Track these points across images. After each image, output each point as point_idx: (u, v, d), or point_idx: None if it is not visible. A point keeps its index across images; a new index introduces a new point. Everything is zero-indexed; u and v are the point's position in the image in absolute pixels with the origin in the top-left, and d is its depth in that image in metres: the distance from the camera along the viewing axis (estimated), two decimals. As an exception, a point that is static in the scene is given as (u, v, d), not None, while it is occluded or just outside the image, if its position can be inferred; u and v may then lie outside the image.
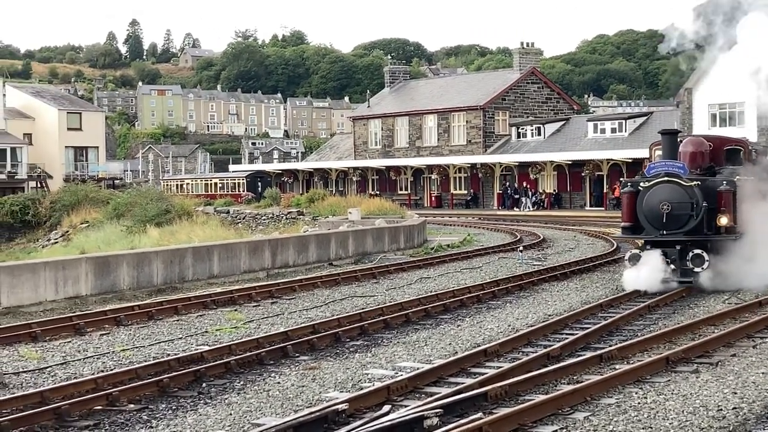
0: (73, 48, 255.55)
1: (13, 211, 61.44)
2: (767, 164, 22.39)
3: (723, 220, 19.63)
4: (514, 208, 62.37)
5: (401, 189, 74.14)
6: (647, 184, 19.89)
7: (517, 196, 63.76)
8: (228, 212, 58.56)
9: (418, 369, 12.23)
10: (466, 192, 70.44)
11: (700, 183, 19.59)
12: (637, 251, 19.99)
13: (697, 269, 19.31)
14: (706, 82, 53.34)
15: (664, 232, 19.63)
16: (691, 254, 19.39)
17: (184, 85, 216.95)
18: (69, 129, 76.52)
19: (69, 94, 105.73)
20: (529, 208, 62.14)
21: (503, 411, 9.81)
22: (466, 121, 71.29)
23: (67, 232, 56.34)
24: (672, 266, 19.44)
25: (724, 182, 19.79)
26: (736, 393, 10.74)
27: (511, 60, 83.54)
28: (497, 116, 70.80)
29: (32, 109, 77.42)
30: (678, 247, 19.51)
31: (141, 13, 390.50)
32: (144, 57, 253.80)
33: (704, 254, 19.29)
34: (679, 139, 21.00)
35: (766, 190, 20.89)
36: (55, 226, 59.57)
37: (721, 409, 10.04)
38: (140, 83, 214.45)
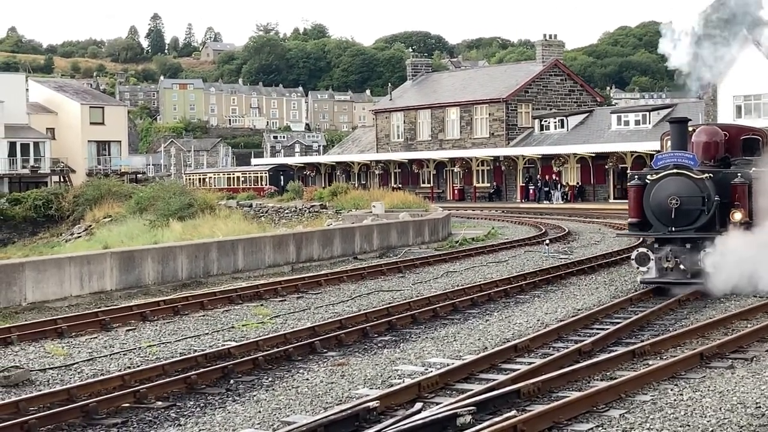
0: (95, 42, 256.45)
1: (36, 205, 61.64)
2: None
3: (737, 216, 18.08)
4: (544, 201, 61.97)
5: (424, 182, 73.93)
6: (654, 177, 18.32)
7: (546, 189, 63.40)
8: (251, 206, 58.54)
9: (448, 365, 12.05)
10: (488, 185, 70.17)
11: (712, 175, 18.12)
12: (644, 250, 18.48)
13: (709, 270, 17.63)
14: (731, 74, 52.87)
15: (673, 228, 18.11)
16: (703, 253, 17.73)
17: (206, 79, 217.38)
18: (92, 123, 76.73)
19: (91, 89, 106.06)
20: (559, 200, 61.80)
21: (537, 409, 9.63)
22: (489, 114, 71.00)
23: (90, 226, 56.48)
24: (682, 266, 17.92)
25: (739, 174, 18.42)
26: (774, 390, 10.51)
27: (533, 52, 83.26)
28: (520, 109, 70.47)
29: (55, 104, 77.69)
30: (688, 245, 17.99)
31: (163, 7, 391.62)
32: (165, 51, 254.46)
33: (717, 253, 17.65)
34: (691, 128, 19.68)
35: None
36: (78, 220, 59.74)
37: (760, 407, 9.82)
38: (162, 77, 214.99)
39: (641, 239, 20.96)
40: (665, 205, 18.00)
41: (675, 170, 18.07)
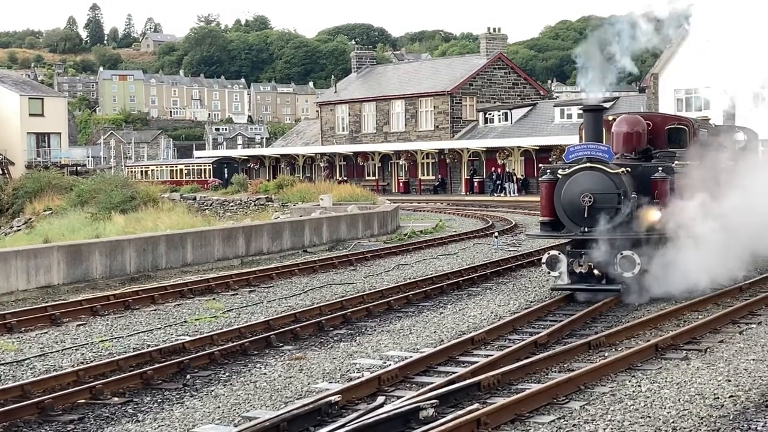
0: (32, 33, 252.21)
1: (-27, 198, 60.50)
2: (719, 146, 19.66)
3: (655, 215, 16.43)
4: (498, 194, 62.03)
5: (369, 175, 73.89)
6: (566, 171, 16.56)
7: (499, 182, 63.56)
8: (194, 199, 58.04)
9: (407, 358, 12.06)
10: (433, 177, 70.34)
11: (630, 169, 16.47)
12: (556, 253, 16.63)
13: (626, 274, 15.93)
14: (672, 67, 53.60)
15: (586, 229, 16.32)
16: (619, 257, 16.01)
17: (146, 70, 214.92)
18: (31, 115, 75.36)
19: (30, 80, 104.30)
20: (514, 193, 62.01)
21: (500, 401, 9.66)
22: (434, 107, 71.14)
23: (30, 219, 55.54)
24: (596, 271, 16.20)
25: (659, 168, 16.69)
26: (730, 381, 10.66)
27: (475, 45, 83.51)
28: (464, 102, 70.68)
29: (-8, 95, 76.24)
30: (603, 247, 16.22)
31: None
32: (105, 42, 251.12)
33: (635, 256, 15.91)
34: (612, 118, 18.28)
35: (714, 176, 18.05)
36: (17, 213, 58.70)
37: (718, 398, 9.95)
38: (101, 68, 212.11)
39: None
40: (577, 202, 16.27)
41: (588, 164, 16.33)
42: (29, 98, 75.99)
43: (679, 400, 9.95)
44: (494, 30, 73.73)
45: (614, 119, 18.11)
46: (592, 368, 11.12)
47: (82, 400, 10.69)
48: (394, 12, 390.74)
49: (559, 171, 16.73)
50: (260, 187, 54.76)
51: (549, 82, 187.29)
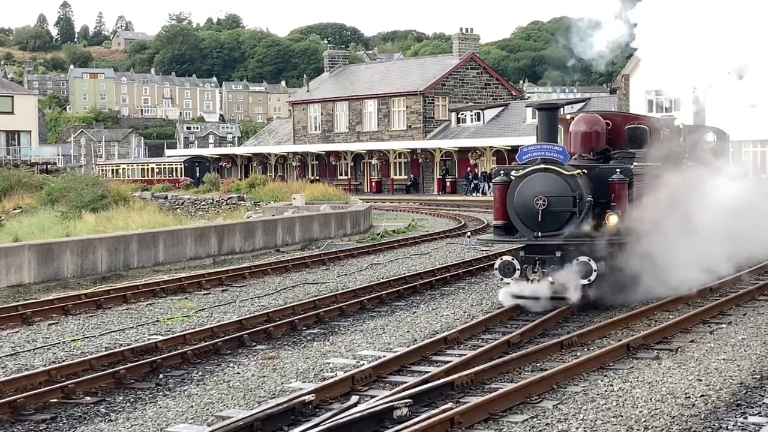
0: (2, 30, 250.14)
1: (-58, 196, 59.88)
2: (683, 147, 18.93)
3: (613, 219, 15.54)
4: (474, 193, 62.07)
5: (341, 174, 73.85)
6: (519, 173, 15.72)
7: (476, 182, 63.67)
8: (166, 198, 57.86)
9: (380, 358, 12.08)
10: (406, 177, 70.42)
11: (586, 171, 15.68)
12: (509, 258, 15.79)
13: (582, 281, 15.17)
14: (642, 68, 53.89)
15: (540, 234, 15.47)
16: (575, 263, 15.22)
17: (117, 68, 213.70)
18: (1, 113, 74.89)
19: None
20: (490, 193, 62.06)
21: (473, 401, 9.70)
22: (406, 107, 71.22)
23: (0, 218, 55.12)
24: (550, 278, 15.36)
25: (617, 170, 15.80)
26: (701, 380, 10.76)
27: (448, 45, 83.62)
28: (437, 102, 70.81)
29: (-38, 92, 75.62)
30: (558, 254, 15.43)
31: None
32: (75, 40, 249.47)
33: (591, 262, 15.11)
34: (570, 117, 17.59)
35: (677, 178, 17.22)
36: (-14, 211, 58.19)
37: (689, 397, 10.04)
38: (72, 66, 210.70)
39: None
40: (531, 206, 15.41)
41: (542, 165, 15.50)
42: (-1, 96, 75.47)
43: (650, 399, 10.03)
44: (466, 30, 73.91)
45: (572, 118, 17.43)
46: (564, 368, 11.18)
47: (55, 400, 10.63)
48: (367, 11, 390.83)
49: (512, 172, 15.90)
50: (232, 186, 54.65)
51: (521, 82, 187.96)
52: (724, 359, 11.86)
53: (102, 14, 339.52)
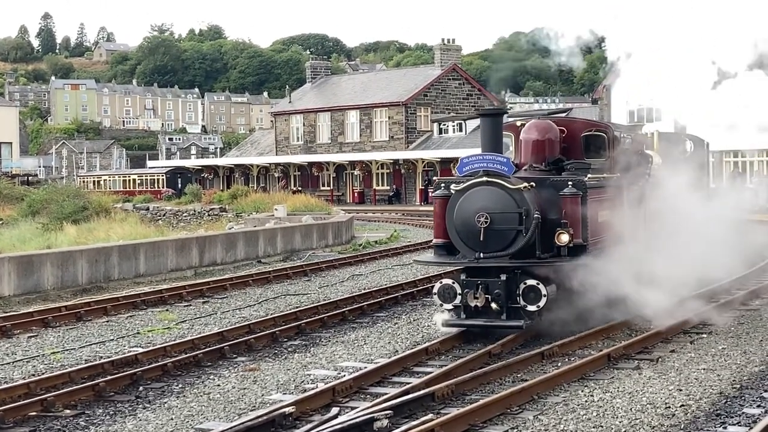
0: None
1: None
2: (646, 156, 17.39)
3: (563, 238, 13.80)
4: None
5: (324, 185, 73.83)
6: (459, 186, 14.17)
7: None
8: (148, 209, 57.76)
9: (361, 369, 12.06)
10: (388, 188, 70.47)
11: (534, 184, 14.05)
12: (449, 282, 14.07)
13: (530, 307, 13.54)
14: (623, 78, 54.08)
15: (482, 254, 13.82)
16: (522, 286, 13.64)
17: (99, 79, 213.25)
18: (-19, 124, 74.68)
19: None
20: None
21: (453, 412, 9.70)
22: (389, 117, 71.31)
23: (-20, 230, 54.84)
24: (495, 304, 13.63)
25: (570, 183, 14.08)
26: (681, 390, 10.79)
27: (430, 56, 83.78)
28: (419, 112, 70.93)
29: (-58, 104, 75.32)
30: (503, 277, 13.73)
31: (54, 6, 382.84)
32: (57, 51, 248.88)
33: (540, 286, 13.53)
34: (520, 123, 15.84)
35: (639, 190, 16.08)
36: (-33, 223, 57.91)
37: (669, 407, 10.06)
38: (53, 77, 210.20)
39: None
40: (472, 223, 13.78)
41: (485, 178, 13.93)
42: (-21, 107, 75.19)
43: (631, 409, 10.05)
44: (448, 41, 74.10)
45: (523, 125, 15.69)
46: (545, 378, 11.20)
47: (34, 413, 10.58)
48: (349, 22, 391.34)
49: (452, 186, 14.37)
50: (214, 197, 54.58)
51: (503, 93, 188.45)
52: (704, 369, 11.89)
53: (83, 25, 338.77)
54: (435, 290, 14.27)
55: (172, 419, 10.30)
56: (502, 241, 13.80)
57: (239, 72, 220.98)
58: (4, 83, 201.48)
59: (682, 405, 10.10)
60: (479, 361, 12.52)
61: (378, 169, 70.92)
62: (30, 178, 76.80)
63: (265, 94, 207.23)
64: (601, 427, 9.44)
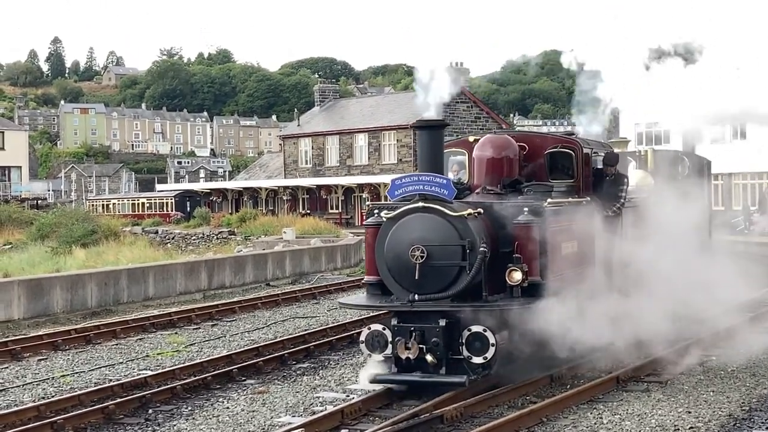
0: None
1: (-68, 232, 59.82)
2: (620, 177, 14.55)
3: (516, 275, 11.63)
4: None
5: (332, 208, 73.89)
6: (390, 214, 11.97)
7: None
8: (157, 232, 57.86)
9: (370, 392, 12.04)
10: (396, 211, 70.45)
11: (482, 211, 11.86)
12: (379, 328, 11.90)
13: (476, 359, 11.36)
14: (632, 100, 53.97)
15: (416, 296, 11.54)
16: (465, 334, 11.43)
17: (108, 103, 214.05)
18: (-9, 148, 75.04)
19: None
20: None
21: (463, 434, 9.70)
22: (397, 140, 71.42)
23: (-10, 253, 55.04)
24: (430, 356, 11.39)
25: (525, 209, 11.92)
26: (690, 412, 10.78)
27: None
28: (427, 135, 70.99)
29: (-48, 128, 75.76)
30: (442, 322, 11.49)
31: (63, 31, 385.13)
32: (66, 75, 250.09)
33: (488, 333, 11.33)
34: (473, 139, 13.84)
35: (612, 220, 13.84)
36: (-24, 247, 58.13)
37: (678, 429, 10.06)
38: (62, 101, 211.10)
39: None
40: (405, 258, 11.54)
41: (420, 204, 11.78)
42: (-11, 131, 75.60)
43: (640, 431, 10.03)
44: (456, 64, 74.29)
45: (477, 140, 13.64)
46: (553, 400, 11.20)
47: (43, 436, 10.61)
48: (357, 46, 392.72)
49: (383, 212, 12.16)
50: (223, 220, 54.71)
51: (511, 115, 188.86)
52: (713, 391, 11.88)
53: (93, 49, 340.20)
54: (362, 338, 12.08)
55: (181, 442, 10.32)
56: (441, 279, 11.50)
57: (248, 95, 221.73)
58: (13, 107, 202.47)
59: (692, 427, 10.10)
60: (488, 383, 12.49)
61: (386, 191, 71.00)
62: (39, 201, 77.00)
63: (274, 117, 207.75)
64: (610, 449, 9.43)
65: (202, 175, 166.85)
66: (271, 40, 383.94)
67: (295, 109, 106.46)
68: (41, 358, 15.61)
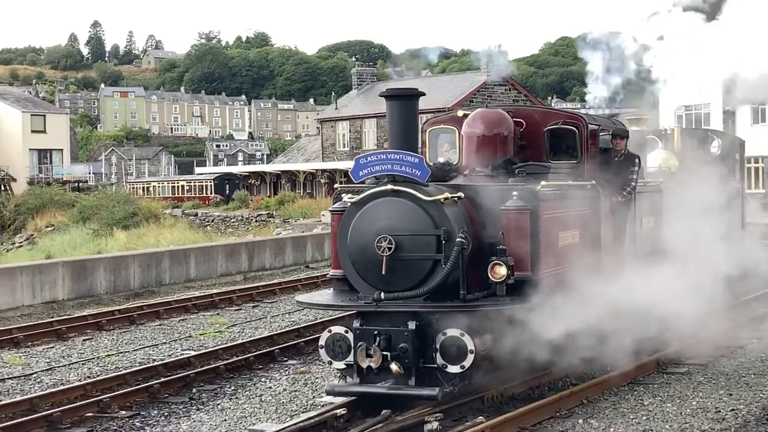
0: (34, 50, 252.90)
1: (-25, 214, 60.77)
2: (631, 157, 12.62)
3: (501, 270, 9.81)
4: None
5: (369, 190, 74.04)
6: (355, 198, 10.17)
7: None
8: (196, 215, 58.33)
9: (411, 373, 12.08)
10: (434, 193, 70.45)
11: (462, 195, 10.11)
12: (341, 331, 10.19)
13: (451, 368, 9.66)
14: (672, 84, 53.56)
15: (383, 294, 9.74)
16: (440, 339, 9.71)
17: (147, 86, 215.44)
18: (33, 131, 75.75)
19: (32, 96, 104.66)
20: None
21: (504, 415, 9.74)
22: (434, 123, 71.35)
23: (32, 235, 55.80)
24: (395, 366, 9.67)
25: (514, 194, 10.10)
26: (731, 395, 10.77)
27: (475, 62, 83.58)
28: (465, 118, 70.90)
29: (-5, 112, 76.58)
30: (412, 325, 9.75)
31: (103, 14, 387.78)
32: (106, 59, 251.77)
33: (466, 338, 9.60)
34: (462, 114, 12.25)
35: (622, 206, 12.20)
36: (19, 229, 58.99)
37: (720, 411, 10.06)
38: (102, 85, 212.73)
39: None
40: (371, 250, 9.82)
41: (389, 187, 9.97)
42: (31, 115, 76.37)
43: (681, 413, 10.05)
44: (495, 47, 74.00)
45: (466, 116, 12.04)
46: (594, 382, 11.22)
47: (90, 414, 10.81)
48: (395, 28, 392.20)
49: (347, 197, 10.39)
50: (261, 203, 55.04)
51: (549, 98, 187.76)
52: (754, 374, 11.86)
53: (132, 33, 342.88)
54: (321, 342, 10.35)
55: (225, 420, 10.47)
56: (412, 275, 9.79)
57: (285, 79, 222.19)
58: (54, 91, 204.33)
59: (733, 409, 10.09)
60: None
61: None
62: (80, 184, 77.75)
63: (311, 100, 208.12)
64: (651, 431, 9.46)
65: (240, 158, 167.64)
66: (308, 24, 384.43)
67: (333, 93, 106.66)
68: (86, 338, 15.86)
